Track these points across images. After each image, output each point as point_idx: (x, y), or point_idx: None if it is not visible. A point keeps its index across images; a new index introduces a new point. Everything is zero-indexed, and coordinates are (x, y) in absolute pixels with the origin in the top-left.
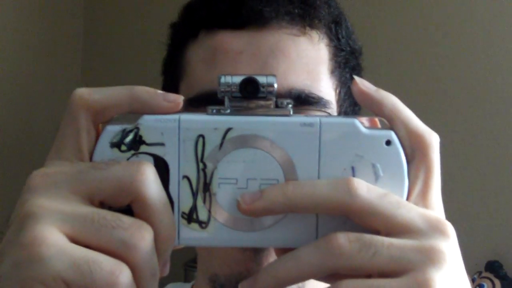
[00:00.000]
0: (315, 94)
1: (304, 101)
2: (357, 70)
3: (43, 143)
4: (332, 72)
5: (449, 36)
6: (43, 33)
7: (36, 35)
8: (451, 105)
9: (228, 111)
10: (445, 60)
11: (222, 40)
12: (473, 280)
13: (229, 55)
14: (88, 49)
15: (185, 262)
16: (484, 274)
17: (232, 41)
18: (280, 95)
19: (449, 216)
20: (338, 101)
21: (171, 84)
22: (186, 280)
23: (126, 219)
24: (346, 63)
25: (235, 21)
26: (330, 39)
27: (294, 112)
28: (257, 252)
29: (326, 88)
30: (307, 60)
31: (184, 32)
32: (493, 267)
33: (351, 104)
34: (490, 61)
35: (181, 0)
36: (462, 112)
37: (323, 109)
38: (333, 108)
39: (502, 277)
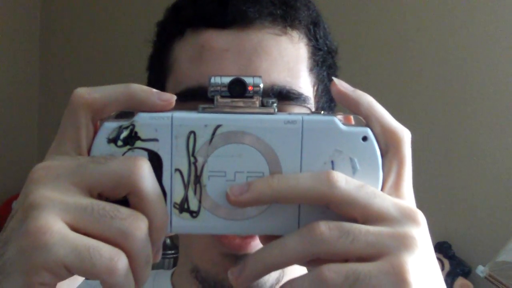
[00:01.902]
0: (295, 90)
1: (285, 96)
2: (333, 68)
3: None
4: (311, 70)
5: (429, 33)
6: None
7: None
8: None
9: (218, 109)
10: (419, 59)
11: (208, 39)
12: None
13: (215, 53)
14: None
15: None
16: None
17: (218, 39)
18: (263, 91)
19: None
20: (315, 97)
21: (157, 79)
22: (158, 267)
23: (123, 210)
24: (324, 62)
25: (221, 21)
26: (309, 39)
27: (278, 110)
28: (238, 258)
29: (305, 85)
30: (288, 59)
31: (171, 30)
32: (442, 248)
33: (328, 100)
34: (465, 59)
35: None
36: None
37: (302, 105)
38: (312, 104)
39: (451, 257)
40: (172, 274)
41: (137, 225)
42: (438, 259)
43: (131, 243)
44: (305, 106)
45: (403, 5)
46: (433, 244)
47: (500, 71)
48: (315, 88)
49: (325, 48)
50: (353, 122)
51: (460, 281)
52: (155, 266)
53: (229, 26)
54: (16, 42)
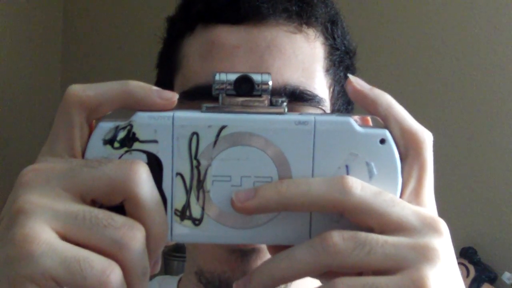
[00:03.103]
0: (310, 91)
1: (298, 97)
2: (351, 70)
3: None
4: (327, 70)
5: (446, 35)
6: (22, 28)
7: (15, 32)
8: (440, 105)
9: (223, 108)
10: (440, 59)
11: (219, 35)
12: None
13: (226, 50)
14: (68, 44)
15: (165, 251)
16: (458, 260)
17: (229, 35)
18: (274, 91)
19: None
20: (331, 99)
21: (166, 77)
22: (166, 269)
23: (118, 218)
24: (341, 62)
25: (232, 16)
26: (326, 38)
27: (288, 109)
28: (244, 254)
29: (321, 86)
30: (303, 57)
31: (181, 26)
32: (468, 253)
33: (345, 103)
34: (485, 60)
35: None
36: (448, 111)
37: (317, 106)
38: (327, 106)
39: (476, 263)
40: (179, 280)
41: (133, 235)
42: (463, 264)
43: (126, 254)
44: (319, 108)
45: (426, 4)
46: (457, 250)
47: None
48: (331, 89)
49: (343, 48)
50: (370, 124)
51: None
52: (164, 270)
53: (241, 22)
54: (39, 43)
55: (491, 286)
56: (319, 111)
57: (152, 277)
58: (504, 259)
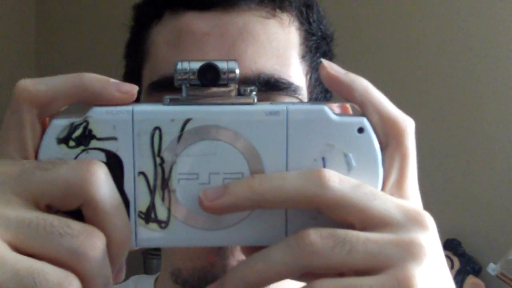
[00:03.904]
0: (285, 79)
1: (273, 86)
2: (329, 56)
3: None
4: (303, 57)
5: (428, 14)
6: None
7: None
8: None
9: (187, 100)
10: (423, 41)
11: (188, 21)
12: None
13: (195, 37)
14: (41, 35)
15: (144, 250)
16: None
17: (198, 22)
18: (248, 80)
19: None
20: (308, 87)
21: (133, 67)
22: (146, 269)
23: (74, 225)
24: (318, 48)
25: (201, 2)
26: (301, 23)
27: (261, 99)
28: (222, 247)
29: (297, 73)
30: (277, 44)
31: (148, 13)
32: (452, 245)
33: (323, 91)
34: (472, 42)
35: None
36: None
37: (293, 95)
38: (304, 94)
39: (461, 255)
40: (156, 279)
41: (91, 243)
42: (448, 256)
43: (84, 264)
44: (296, 97)
45: None
46: (442, 241)
47: None
48: (308, 77)
49: (319, 33)
50: (351, 112)
51: (470, 279)
52: (144, 269)
53: (211, 8)
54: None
55: (476, 278)
56: (295, 101)
57: (127, 276)
58: (488, 250)
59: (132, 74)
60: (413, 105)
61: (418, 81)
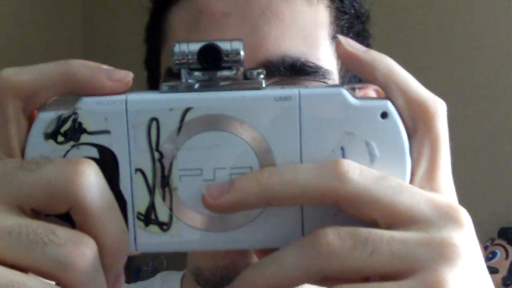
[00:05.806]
0: (313, 63)
1: (299, 70)
2: (363, 36)
3: None
4: (334, 37)
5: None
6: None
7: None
8: (460, 69)
9: (186, 87)
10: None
11: (207, 1)
12: (485, 248)
13: (215, 18)
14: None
15: None
16: (497, 241)
17: (218, 2)
18: (271, 64)
19: (460, 183)
20: (340, 71)
21: (152, 52)
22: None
23: (61, 233)
24: (350, 28)
25: None
26: (331, 0)
27: (285, 84)
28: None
29: (326, 56)
30: (304, 24)
31: None
32: (506, 234)
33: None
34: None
35: None
36: (472, 77)
37: (322, 80)
38: (335, 79)
39: None
40: (183, 276)
41: (80, 252)
42: (502, 246)
43: (72, 276)
44: (325, 82)
45: None
46: (496, 230)
47: None
48: (340, 60)
49: (352, 11)
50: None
51: None
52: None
53: None
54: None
55: None
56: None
57: (155, 272)
58: None
59: (151, 60)
60: (443, 79)
61: (446, 52)
